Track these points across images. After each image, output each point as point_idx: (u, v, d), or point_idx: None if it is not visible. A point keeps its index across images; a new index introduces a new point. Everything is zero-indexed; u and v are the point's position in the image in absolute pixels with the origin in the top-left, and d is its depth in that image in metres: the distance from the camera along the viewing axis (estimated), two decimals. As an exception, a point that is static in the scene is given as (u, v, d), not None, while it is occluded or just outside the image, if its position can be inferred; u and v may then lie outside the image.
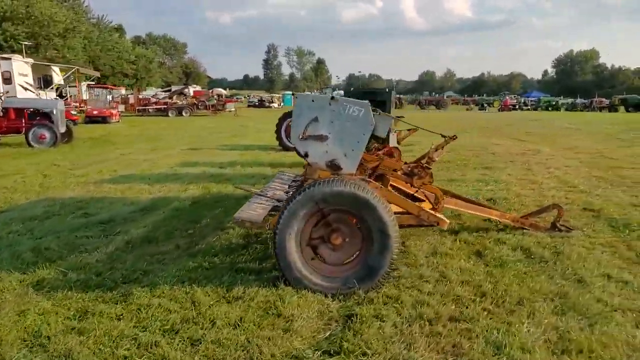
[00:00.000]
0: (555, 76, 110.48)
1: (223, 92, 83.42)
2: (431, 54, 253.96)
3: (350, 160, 3.72)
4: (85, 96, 36.12)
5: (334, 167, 3.72)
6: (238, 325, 2.93)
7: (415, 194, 4.54)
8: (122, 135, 18.43)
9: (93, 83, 50.55)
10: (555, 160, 10.45)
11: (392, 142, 5.78)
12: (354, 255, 3.60)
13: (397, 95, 64.75)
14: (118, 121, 26.47)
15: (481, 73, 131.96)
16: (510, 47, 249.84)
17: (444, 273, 3.87)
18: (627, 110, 44.31)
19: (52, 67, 29.94)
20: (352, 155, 3.71)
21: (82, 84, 42.47)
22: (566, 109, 50.49)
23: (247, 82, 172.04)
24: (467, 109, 54.93)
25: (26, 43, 30.96)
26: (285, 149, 12.19)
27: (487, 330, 2.94)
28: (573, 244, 4.62)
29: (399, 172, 4.13)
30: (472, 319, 3.08)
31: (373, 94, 7.85)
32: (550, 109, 52.09)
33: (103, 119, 25.46)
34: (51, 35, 53.27)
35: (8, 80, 24.29)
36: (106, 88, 31.96)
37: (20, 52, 50.26)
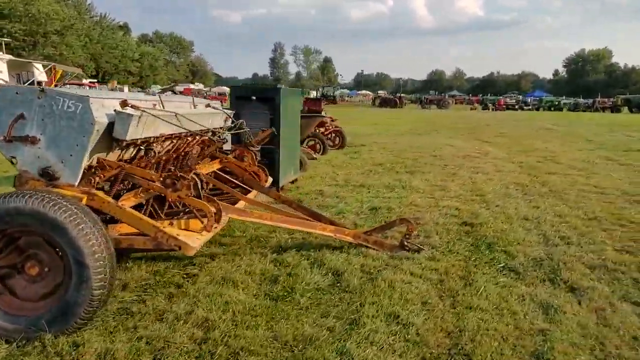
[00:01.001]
0: (566, 76, 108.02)
1: (227, 90, 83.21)
2: (441, 53, 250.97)
3: (68, 167, 3.01)
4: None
5: (48, 176, 3.01)
6: None
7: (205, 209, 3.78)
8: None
9: (95, 81, 50.70)
10: (494, 164, 9.59)
11: (227, 145, 5.05)
12: (54, 289, 2.88)
13: (398, 95, 63.63)
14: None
15: (490, 72, 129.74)
16: (521, 46, 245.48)
17: (194, 310, 3.12)
18: (631, 111, 42.76)
19: (34, 64, 29.63)
20: (71, 161, 3.00)
21: (83, 81, 42.40)
22: (568, 109, 48.94)
23: (256, 81, 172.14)
24: (472, 109, 53.34)
25: (5, 40, 30.71)
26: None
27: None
28: (399, 269, 3.84)
29: (157, 183, 3.38)
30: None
31: (261, 91, 7.15)
32: (552, 108, 50.61)
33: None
34: (49, 33, 53.43)
35: (-21, 77, 24.04)
36: (82, 85, 31.34)
37: (22, 49, 50.51)
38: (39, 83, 28.86)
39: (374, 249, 4.34)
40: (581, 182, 7.40)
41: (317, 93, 49.38)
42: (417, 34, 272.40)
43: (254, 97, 6.81)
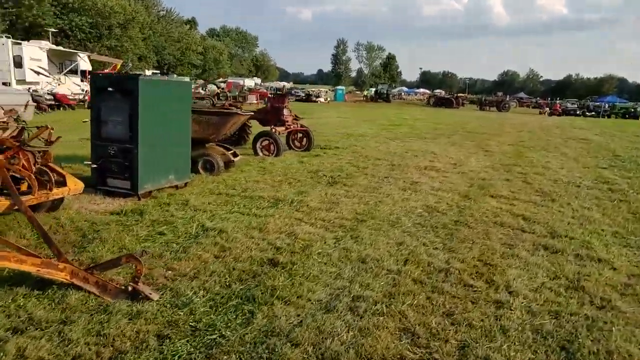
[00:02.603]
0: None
1: (286, 85, 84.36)
2: (516, 53, 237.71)
3: None
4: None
5: None
6: None
7: None
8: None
9: (158, 72, 52.69)
10: (443, 180, 8.01)
11: None
12: None
13: (455, 94, 60.17)
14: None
15: (568, 75, 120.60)
16: (608, 47, 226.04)
17: None
18: None
19: (79, 54, 30.80)
20: None
21: (146, 71, 44.07)
22: (644, 117, 43.43)
23: (321, 77, 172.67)
24: (540, 112, 47.71)
25: (53, 30, 32.14)
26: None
27: None
28: (67, 328, 2.79)
29: None
30: None
31: (119, 82, 6.24)
32: (627, 116, 44.98)
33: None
34: (113, 25, 56.18)
35: (19, 64, 25.21)
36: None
37: (88, 40, 53.36)
38: (84, 71, 30.05)
39: (93, 293, 3.31)
40: (491, 209, 5.80)
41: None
42: (492, 33, 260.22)
43: (111, 89, 5.94)
